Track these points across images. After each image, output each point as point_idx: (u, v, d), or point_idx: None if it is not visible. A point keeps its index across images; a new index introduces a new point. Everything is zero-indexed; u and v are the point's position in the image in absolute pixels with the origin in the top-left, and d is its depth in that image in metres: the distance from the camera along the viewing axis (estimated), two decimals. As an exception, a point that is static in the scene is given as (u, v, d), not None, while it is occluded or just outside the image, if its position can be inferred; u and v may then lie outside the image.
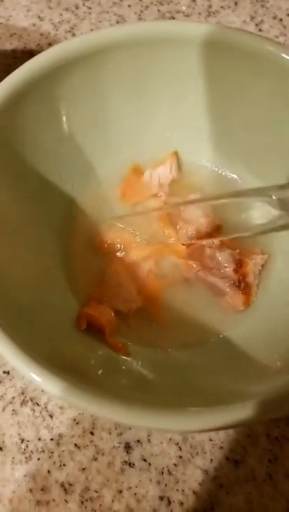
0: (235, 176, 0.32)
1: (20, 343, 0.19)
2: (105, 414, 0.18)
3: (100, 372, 0.23)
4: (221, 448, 0.28)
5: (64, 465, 0.27)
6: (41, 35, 0.42)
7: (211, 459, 0.27)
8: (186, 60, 0.28)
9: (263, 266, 0.29)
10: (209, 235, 0.30)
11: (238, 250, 0.29)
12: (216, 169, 0.33)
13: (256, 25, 0.43)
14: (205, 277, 0.28)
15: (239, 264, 0.28)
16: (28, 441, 0.28)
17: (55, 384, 0.18)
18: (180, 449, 0.28)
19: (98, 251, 0.30)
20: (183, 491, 0.27)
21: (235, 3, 0.44)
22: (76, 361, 0.23)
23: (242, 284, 0.28)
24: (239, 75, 0.28)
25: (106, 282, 0.29)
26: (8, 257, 0.24)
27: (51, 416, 0.28)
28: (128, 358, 0.25)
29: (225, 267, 0.28)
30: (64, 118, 0.29)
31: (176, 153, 0.33)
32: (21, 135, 0.26)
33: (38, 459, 0.27)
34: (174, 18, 0.43)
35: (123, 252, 0.30)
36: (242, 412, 0.19)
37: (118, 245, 0.30)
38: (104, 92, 0.29)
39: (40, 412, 0.28)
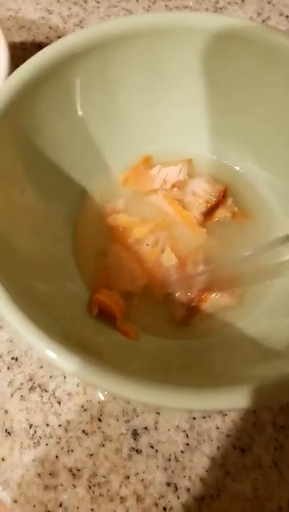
0: (241, 169, 0.33)
1: (38, 322, 0.19)
2: (120, 390, 0.19)
3: (112, 354, 0.23)
4: (228, 436, 0.28)
5: (72, 450, 0.27)
6: (50, 28, 0.42)
7: (218, 447, 0.28)
8: (199, 52, 0.28)
9: (223, 307, 0.28)
10: (218, 202, 0.30)
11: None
12: (225, 162, 0.33)
13: (263, 21, 0.44)
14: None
15: (202, 293, 0.28)
16: (36, 426, 0.28)
17: (71, 360, 0.19)
18: (187, 437, 0.28)
19: (103, 236, 0.30)
20: (190, 477, 0.27)
21: (242, 0, 0.45)
22: (89, 342, 0.23)
23: (191, 305, 0.28)
24: (252, 68, 0.28)
25: (109, 265, 0.29)
26: (23, 244, 0.24)
27: (59, 402, 0.29)
28: (139, 342, 0.26)
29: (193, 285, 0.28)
30: (76, 107, 0.29)
31: (190, 161, 0.33)
32: (34, 124, 0.27)
33: (46, 445, 0.27)
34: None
35: (126, 233, 0.30)
36: (244, 395, 0.19)
37: (121, 228, 0.30)
38: (116, 82, 0.29)
39: (49, 399, 0.29)
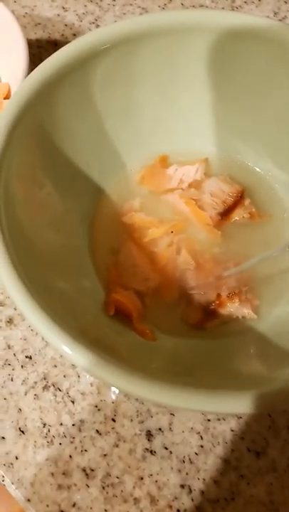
0: (259, 169, 0.32)
1: (55, 318, 0.19)
2: (132, 389, 0.18)
3: (129, 353, 0.23)
4: (242, 439, 0.28)
5: (85, 450, 0.27)
6: (65, 25, 0.42)
7: (232, 449, 0.27)
8: (216, 50, 0.28)
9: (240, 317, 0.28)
10: (236, 203, 0.30)
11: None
12: (242, 161, 0.33)
13: (279, 20, 0.43)
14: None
15: (221, 298, 0.28)
16: (50, 425, 0.28)
17: (85, 356, 0.19)
18: (201, 439, 0.28)
19: (118, 234, 0.30)
20: (204, 479, 0.27)
21: (259, -1, 0.44)
22: (105, 340, 0.23)
23: (209, 308, 0.28)
24: (269, 67, 0.28)
25: (122, 264, 0.29)
26: (42, 240, 0.24)
27: (73, 402, 0.28)
28: (155, 343, 0.25)
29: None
30: (94, 106, 0.29)
31: (206, 160, 0.33)
32: (53, 122, 0.27)
33: (60, 444, 0.27)
34: (198, 12, 0.43)
35: (141, 233, 0.30)
36: (262, 398, 0.19)
37: (137, 227, 0.30)
38: (133, 81, 0.29)
39: (62, 398, 0.28)
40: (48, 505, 0.26)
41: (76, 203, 0.29)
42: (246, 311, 0.27)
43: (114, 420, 0.28)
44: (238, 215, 0.30)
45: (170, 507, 0.26)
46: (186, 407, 0.19)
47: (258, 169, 0.32)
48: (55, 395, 0.29)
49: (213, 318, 0.27)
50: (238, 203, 0.31)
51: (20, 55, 0.31)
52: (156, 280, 0.29)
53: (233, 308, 0.27)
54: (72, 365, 0.29)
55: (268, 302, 0.28)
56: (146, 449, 0.27)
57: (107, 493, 0.26)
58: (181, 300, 0.28)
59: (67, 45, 0.26)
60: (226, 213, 0.31)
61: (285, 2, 0.44)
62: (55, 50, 0.26)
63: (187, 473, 0.27)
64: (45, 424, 0.28)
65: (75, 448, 0.27)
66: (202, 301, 0.27)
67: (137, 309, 0.26)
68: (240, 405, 0.19)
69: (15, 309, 0.31)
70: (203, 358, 0.25)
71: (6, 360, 0.29)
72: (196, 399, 0.19)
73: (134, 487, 0.26)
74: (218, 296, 0.27)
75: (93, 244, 0.29)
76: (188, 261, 0.29)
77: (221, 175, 0.32)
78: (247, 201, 0.31)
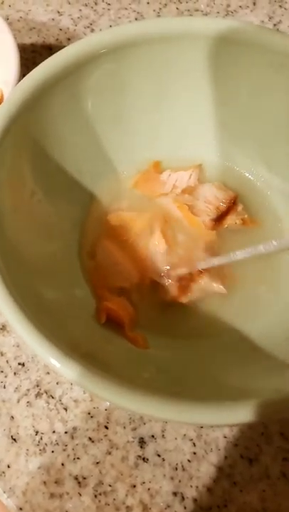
0: (252, 176, 0.32)
1: (43, 330, 0.19)
2: (122, 402, 0.18)
3: (120, 364, 0.23)
4: (236, 445, 0.28)
5: (78, 458, 0.27)
6: (60, 30, 0.42)
7: (226, 456, 0.27)
8: (209, 56, 0.28)
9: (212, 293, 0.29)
10: (229, 209, 0.30)
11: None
12: (235, 167, 0.33)
13: (274, 25, 0.43)
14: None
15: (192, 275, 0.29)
16: (42, 433, 0.28)
17: (74, 370, 0.18)
18: (194, 445, 0.28)
19: (95, 236, 0.30)
20: (197, 487, 0.27)
21: (254, 3, 0.44)
22: (96, 352, 0.23)
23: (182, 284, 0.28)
24: (262, 73, 0.28)
25: (102, 265, 0.29)
26: (32, 250, 0.24)
27: (66, 409, 0.28)
28: (147, 351, 0.25)
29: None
30: (86, 113, 0.29)
31: (200, 166, 0.33)
32: (44, 128, 0.27)
33: (52, 452, 0.27)
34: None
35: (124, 230, 0.30)
36: (256, 409, 0.18)
37: (120, 225, 0.30)
38: (126, 87, 0.29)
39: (55, 405, 0.28)
40: (40, 514, 0.26)
41: (68, 210, 0.29)
42: (216, 285, 0.28)
43: (106, 427, 0.28)
44: (230, 221, 0.30)
45: (162, 515, 0.26)
46: (176, 419, 0.19)
47: (250, 176, 0.32)
48: (48, 403, 0.28)
49: (187, 292, 0.28)
50: (231, 209, 0.31)
51: (12, 60, 0.31)
52: (137, 274, 0.29)
53: (205, 283, 0.28)
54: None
55: (261, 309, 0.28)
56: (139, 457, 0.27)
57: (99, 501, 0.26)
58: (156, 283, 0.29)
59: (58, 52, 0.26)
60: (218, 219, 0.31)
61: (280, 6, 0.44)
62: (49, 55, 0.26)
63: (180, 481, 0.27)
64: (37, 432, 0.28)
65: (68, 456, 0.27)
66: (175, 278, 0.28)
67: (129, 316, 0.26)
68: (232, 417, 0.19)
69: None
70: (195, 367, 0.25)
71: (-1, 367, 0.29)
72: (186, 412, 0.19)
73: (126, 495, 0.26)
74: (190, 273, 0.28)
75: (83, 252, 0.29)
76: (161, 242, 0.29)
77: (216, 181, 0.32)
78: (240, 207, 0.31)
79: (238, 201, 0.31)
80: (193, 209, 0.31)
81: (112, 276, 0.28)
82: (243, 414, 0.19)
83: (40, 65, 0.26)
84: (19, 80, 0.30)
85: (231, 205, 0.30)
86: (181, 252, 0.29)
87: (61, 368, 0.19)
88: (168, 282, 0.28)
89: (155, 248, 0.29)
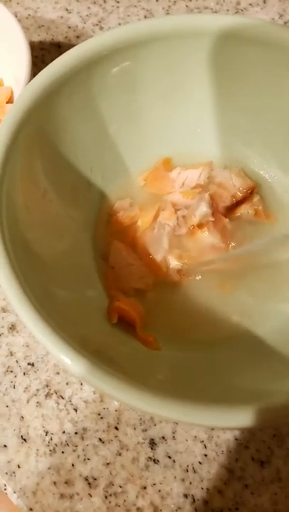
0: (264, 174, 0.32)
1: (55, 327, 0.19)
2: (131, 401, 0.18)
3: (130, 363, 0.23)
4: (247, 448, 0.27)
5: (88, 459, 0.27)
6: (69, 27, 0.42)
7: (237, 459, 0.27)
8: (219, 54, 0.27)
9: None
10: (244, 199, 0.30)
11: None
12: (248, 165, 0.32)
13: (285, 23, 0.43)
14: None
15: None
16: (52, 433, 0.28)
17: (84, 367, 0.18)
18: (205, 447, 0.27)
19: (106, 237, 0.30)
20: (207, 489, 0.26)
21: (264, 1, 0.44)
22: (107, 350, 0.23)
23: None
24: (273, 70, 0.27)
25: (114, 267, 0.29)
26: (44, 249, 0.23)
27: (76, 409, 0.28)
28: (158, 352, 0.25)
29: None
30: (98, 111, 0.28)
31: (210, 164, 0.32)
32: (56, 127, 0.26)
33: (62, 452, 0.27)
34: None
35: (132, 229, 0.30)
36: (267, 412, 0.18)
37: (127, 225, 0.30)
38: (137, 86, 0.29)
39: (65, 405, 0.28)
40: (50, 515, 0.26)
41: (79, 209, 0.28)
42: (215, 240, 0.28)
43: (117, 428, 0.28)
44: (243, 210, 0.30)
45: (173, 517, 0.26)
46: (186, 420, 0.18)
47: (262, 173, 0.32)
48: (58, 403, 0.28)
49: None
50: (247, 200, 0.30)
51: (22, 58, 0.31)
52: (152, 273, 0.28)
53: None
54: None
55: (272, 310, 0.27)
56: (150, 458, 0.27)
57: (109, 502, 0.26)
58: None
59: (70, 50, 0.26)
60: (232, 208, 0.30)
61: (290, 4, 0.44)
62: (58, 53, 0.26)
63: (191, 483, 0.27)
64: (47, 432, 0.28)
65: (78, 456, 0.27)
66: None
67: (140, 317, 0.26)
68: (243, 420, 0.18)
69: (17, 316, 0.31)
70: (206, 368, 0.25)
71: (9, 367, 0.29)
72: (196, 413, 0.18)
73: (137, 496, 0.26)
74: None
75: (95, 251, 0.29)
76: (171, 216, 0.29)
77: (236, 167, 0.32)
78: (256, 198, 0.30)
79: (256, 192, 0.31)
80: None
81: (126, 278, 0.28)
82: (254, 417, 0.18)
83: (51, 63, 0.26)
84: (30, 78, 0.30)
85: (248, 195, 0.30)
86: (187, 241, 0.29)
87: (71, 365, 0.19)
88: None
89: (164, 225, 0.29)
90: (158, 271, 0.28)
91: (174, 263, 0.28)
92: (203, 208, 0.29)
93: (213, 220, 0.29)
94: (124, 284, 0.28)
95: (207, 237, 0.29)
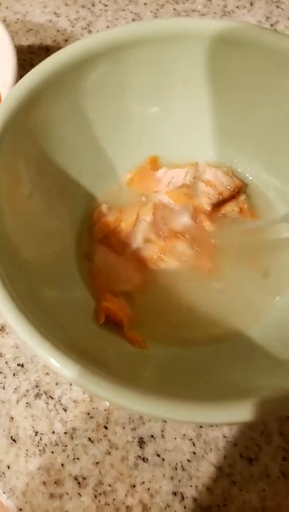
0: (250, 176, 0.32)
1: (42, 330, 0.19)
2: (121, 401, 0.18)
3: (119, 364, 0.23)
4: (235, 445, 0.28)
5: (78, 458, 0.27)
6: (58, 31, 0.42)
7: (225, 456, 0.27)
8: (207, 56, 0.28)
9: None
10: (231, 197, 0.30)
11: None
12: (235, 167, 0.33)
13: (271, 25, 0.43)
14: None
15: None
16: (41, 434, 0.28)
17: (73, 370, 0.18)
18: (194, 445, 0.28)
19: (90, 241, 0.30)
20: (196, 486, 0.27)
21: (251, 4, 0.44)
22: (95, 351, 0.23)
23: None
24: (259, 73, 0.28)
25: (102, 270, 0.29)
26: (31, 250, 0.24)
27: (65, 410, 0.28)
28: (146, 351, 0.25)
29: None
30: (85, 113, 0.29)
31: (196, 164, 0.32)
32: (43, 129, 0.27)
33: (52, 452, 0.27)
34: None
35: (116, 232, 0.30)
36: (255, 407, 0.19)
37: (111, 229, 0.30)
38: (124, 87, 0.29)
39: (54, 406, 0.28)
40: (39, 514, 0.26)
41: (67, 211, 0.29)
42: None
43: (106, 428, 0.28)
44: (228, 207, 0.30)
45: (162, 515, 0.26)
46: (175, 418, 0.19)
47: (249, 175, 0.32)
48: (47, 403, 0.28)
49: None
50: (233, 198, 0.30)
51: (9, 61, 0.31)
52: (138, 275, 0.29)
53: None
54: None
55: (258, 306, 0.28)
56: (139, 457, 0.27)
57: (99, 501, 0.26)
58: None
59: (56, 52, 0.26)
60: (218, 205, 0.30)
61: (277, 6, 0.44)
62: (47, 56, 0.26)
63: (179, 481, 0.27)
64: (37, 433, 0.28)
65: (67, 456, 0.27)
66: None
67: (128, 316, 0.26)
68: (231, 416, 0.19)
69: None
70: (194, 366, 0.25)
71: (-2, 368, 0.29)
72: (185, 411, 0.19)
73: (126, 495, 0.26)
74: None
75: (82, 253, 0.29)
76: (148, 212, 0.29)
77: (225, 166, 0.32)
78: (242, 197, 0.31)
79: (242, 191, 0.31)
80: (193, 192, 0.31)
81: (113, 281, 0.28)
82: (243, 412, 0.19)
83: (37, 66, 0.26)
84: (16, 82, 0.31)
85: (235, 194, 0.30)
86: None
87: (60, 368, 0.19)
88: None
89: (141, 221, 0.29)
90: (145, 270, 0.28)
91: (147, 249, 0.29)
92: (185, 218, 0.29)
93: (193, 232, 0.29)
94: (112, 287, 0.28)
95: (182, 247, 0.29)
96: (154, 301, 0.29)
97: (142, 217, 0.30)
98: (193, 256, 0.29)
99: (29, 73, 0.25)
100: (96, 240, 0.30)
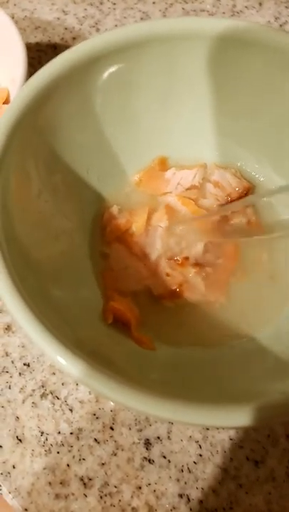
0: (259, 176, 0.32)
1: (50, 328, 0.19)
2: (127, 401, 0.18)
3: (125, 363, 0.23)
4: (241, 447, 0.28)
5: (83, 459, 0.27)
6: (65, 29, 0.42)
7: (231, 458, 0.27)
8: (214, 56, 0.28)
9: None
10: (239, 197, 0.30)
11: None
12: (242, 167, 0.32)
13: (280, 25, 0.43)
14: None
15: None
16: (47, 434, 0.28)
17: (80, 368, 0.18)
18: (200, 447, 0.27)
19: (106, 239, 0.30)
20: (202, 489, 0.27)
21: (260, 4, 0.44)
22: (102, 351, 0.23)
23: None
24: (267, 73, 0.27)
25: (114, 268, 0.29)
26: (40, 249, 0.23)
27: (71, 410, 0.28)
28: (153, 352, 0.25)
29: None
30: (94, 112, 0.28)
31: (205, 165, 0.32)
32: (52, 128, 0.26)
33: (58, 453, 0.27)
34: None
35: (128, 233, 0.30)
36: (261, 411, 0.18)
37: (123, 230, 0.30)
38: (133, 87, 0.29)
39: (60, 406, 0.28)
40: (45, 515, 0.26)
41: (75, 210, 0.29)
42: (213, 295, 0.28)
43: (112, 429, 0.28)
44: (236, 219, 0.30)
45: (168, 517, 0.26)
46: (180, 420, 0.18)
47: (257, 175, 0.32)
48: (53, 403, 0.28)
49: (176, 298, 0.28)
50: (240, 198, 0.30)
51: (18, 59, 0.31)
52: (150, 276, 0.29)
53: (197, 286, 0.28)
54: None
55: (268, 309, 0.28)
56: (145, 458, 0.27)
57: (104, 502, 0.26)
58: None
59: (66, 51, 0.26)
60: (226, 217, 0.30)
61: (286, 7, 0.44)
62: (54, 54, 0.26)
63: (186, 483, 0.27)
64: (42, 433, 0.28)
65: (73, 457, 0.27)
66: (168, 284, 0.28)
67: (135, 317, 0.26)
68: (237, 419, 0.18)
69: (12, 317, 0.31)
70: (200, 368, 0.25)
71: (4, 367, 0.29)
72: (191, 413, 0.18)
73: (132, 496, 0.26)
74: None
75: (93, 253, 0.29)
76: (162, 217, 0.29)
77: (233, 168, 0.32)
78: (249, 209, 0.31)
79: (251, 193, 0.31)
80: (202, 192, 0.31)
81: (123, 280, 0.28)
82: (248, 416, 0.18)
83: (47, 64, 0.26)
84: (26, 79, 0.30)
85: (242, 195, 0.30)
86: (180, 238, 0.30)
87: (67, 366, 0.19)
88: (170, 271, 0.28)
89: (157, 227, 0.29)
90: (156, 273, 0.28)
91: (166, 270, 0.29)
92: (199, 248, 0.29)
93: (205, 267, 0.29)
94: (121, 286, 0.28)
95: (193, 277, 0.29)
96: (162, 301, 0.28)
97: (156, 222, 0.29)
98: (205, 290, 0.29)
99: (38, 72, 0.25)
100: (111, 240, 0.30)
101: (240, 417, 0.18)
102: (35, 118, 0.25)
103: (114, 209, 0.30)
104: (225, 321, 0.28)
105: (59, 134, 0.27)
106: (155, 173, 0.32)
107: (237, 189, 0.31)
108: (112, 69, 0.27)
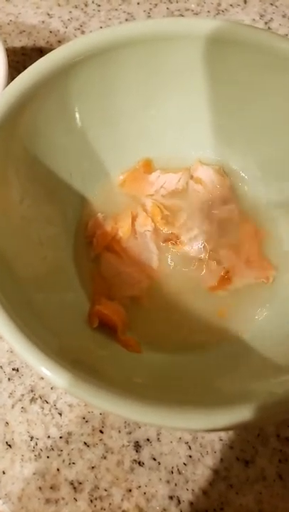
0: (243, 173, 0.32)
1: (33, 338, 0.19)
2: (113, 409, 0.18)
3: (111, 368, 0.23)
4: (231, 448, 0.27)
5: (73, 463, 0.27)
6: (50, 32, 0.42)
7: (221, 459, 0.27)
8: (200, 57, 0.28)
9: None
10: (221, 194, 0.30)
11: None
12: (230, 167, 0.32)
13: (265, 23, 0.43)
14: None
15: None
16: (37, 438, 0.28)
17: (65, 378, 0.18)
18: (190, 449, 0.27)
19: (95, 246, 0.30)
20: (193, 490, 0.27)
21: (245, 1, 0.44)
22: (87, 357, 0.23)
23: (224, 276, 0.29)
24: (254, 74, 0.27)
25: (106, 276, 0.29)
26: (22, 255, 0.23)
27: (60, 414, 0.28)
28: (140, 356, 0.25)
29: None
30: (75, 115, 0.28)
31: (189, 169, 0.32)
32: (33, 132, 0.26)
33: (48, 457, 0.27)
34: (182, 16, 0.43)
35: (116, 239, 0.30)
36: (250, 412, 0.18)
37: (109, 236, 0.30)
38: (116, 89, 0.29)
39: (50, 410, 0.28)
40: (35, 520, 0.26)
41: (59, 214, 0.28)
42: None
43: (102, 432, 0.28)
44: (221, 215, 0.30)
45: (159, 519, 0.26)
46: (168, 425, 0.18)
47: (241, 173, 0.32)
48: (43, 408, 0.28)
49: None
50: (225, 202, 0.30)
51: (0, 63, 0.31)
52: (146, 280, 0.28)
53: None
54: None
55: (250, 310, 0.28)
56: (135, 461, 0.27)
57: (95, 506, 0.26)
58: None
59: (46, 55, 0.26)
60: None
61: (271, 4, 0.44)
62: (40, 58, 0.26)
63: (176, 484, 0.27)
64: (32, 438, 0.28)
65: (63, 461, 0.27)
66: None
67: (122, 320, 0.26)
68: (226, 422, 0.18)
69: None
70: (188, 371, 0.25)
71: (-7, 373, 0.29)
72: (179, 418, 0.18)
73: (122, 499, 0.26)
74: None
75: (77, 256, 0.29)
76: (146, 221, 0.29)
77: (216, 165, 0.32)
78: (232, 205, 0.31)
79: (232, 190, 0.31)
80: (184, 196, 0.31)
81: (117, 286, 0.28)
82: (237, 418, 0.18)
83: (28, 68, 0.26)
84: (7, 84, 0.30)
85: (225, 193, 0.30)
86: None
87: (52, 377, 0.19)
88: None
89: (143, 230, 0.30)
90: (152, 274, 0.28)
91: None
92: (198, 245, 0.29)
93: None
94: (117, 293, 0.28)
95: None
96: (153, 306, 0.28)
97: (141, 228, 0.30)
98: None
99: (19, 76, 0.25)
100: (99, 249, 0.30)
101: (228, 420, 0.18)
102: (16, 122, 0.25)
103: (99, 216, 0.30)
104: (212, 324, 0.28)
105: (40, 138, 0.27)
106: (140, 175, 0.32)
107: (218, 186, 0.31)
108: (94, 71, 0.27)
